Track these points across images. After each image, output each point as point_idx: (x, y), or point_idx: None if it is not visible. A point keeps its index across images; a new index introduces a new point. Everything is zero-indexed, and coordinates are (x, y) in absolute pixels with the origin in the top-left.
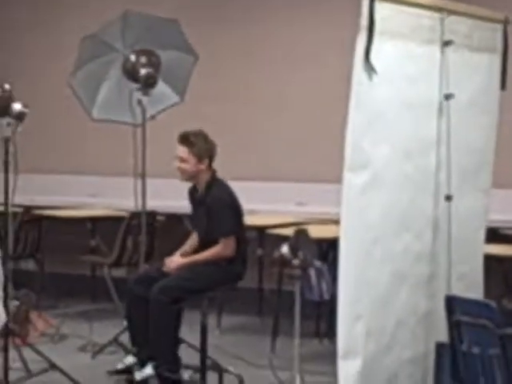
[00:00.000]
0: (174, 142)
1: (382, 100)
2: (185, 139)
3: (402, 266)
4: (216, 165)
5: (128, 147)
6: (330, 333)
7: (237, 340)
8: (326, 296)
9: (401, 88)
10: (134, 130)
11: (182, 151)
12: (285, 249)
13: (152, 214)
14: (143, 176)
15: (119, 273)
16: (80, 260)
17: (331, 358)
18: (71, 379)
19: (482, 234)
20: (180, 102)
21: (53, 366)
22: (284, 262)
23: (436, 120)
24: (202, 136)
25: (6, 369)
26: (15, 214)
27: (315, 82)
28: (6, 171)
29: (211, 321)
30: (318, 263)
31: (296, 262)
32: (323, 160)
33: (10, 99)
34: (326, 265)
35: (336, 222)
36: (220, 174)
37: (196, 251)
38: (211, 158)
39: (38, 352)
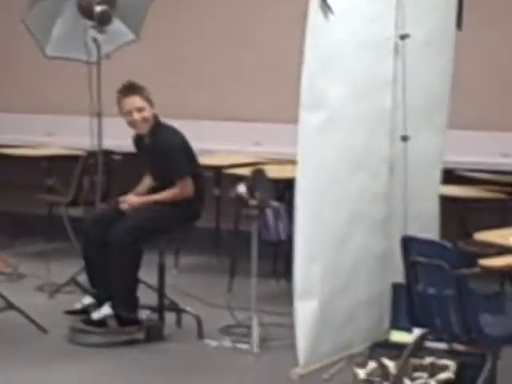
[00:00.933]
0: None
1: (337, 40)
2: (133, 88)
3: (358, 206)
4: (172, 103)
5: (84, 86)
6: (287, 273)
7: (194, 280)
8: (283, 236)
9: (357, 28)
10: (90, 68)
11: (137, 101)
12: (242, 188)
13: (108, 153)
14: (99, 115)
15: (76, 212)
16: (36, 199)
17: (288, 298)
18: (29, 318)
19: (437, 175)
20: (135, 40)
21: (10, 306)
22: (241, 201)
23: (392, 60)
24: (136, 83)
25: None
26: None
27: (272, 22)
28: None
29: (168, 261)
30: (274, 203)
31: (253, 202)
32: (280, 100)
33: None
34: (282, 205)
35: (293, 162)
36: (176, 113)
37: (151, 193)
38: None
39: None
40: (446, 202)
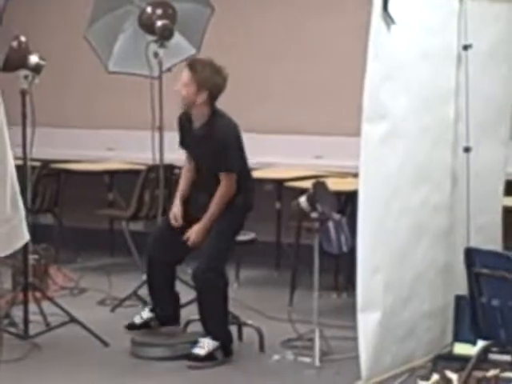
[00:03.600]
0: None
1: (400, 50)
2: (191, 65)
3: (421, 217)
4: (234, 117)
5: (145, 100)
6: (349, 286)
7: (255, 294)
8: (345, 249)
9: (419, 38)
10: (151, 82)
11: (185, 75)
12: (303, 201)
13: (169, 167)
14: (161, 129)
15: (137, 226)
16: (98, 214)
17: (350, 311)
18: (91, 332)
19: (500, 186)
20: (196, 54)
21: (72, 320)
22: (302, 214)
23: (455, 70)
24: (210, 66)
25: (26, 322)
26: (33, 168)
27: (333, 33)
28: (24, 124)
29: (229, 274)
30: (336, 216)
31: (314, 214)
32: (341, 113)
33: (26, 51)
34: (344, 217)
35: (354, 175)
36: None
37: (195, 184)
38: (212, 91)
39: (58, 305)
40: (509, 213)
